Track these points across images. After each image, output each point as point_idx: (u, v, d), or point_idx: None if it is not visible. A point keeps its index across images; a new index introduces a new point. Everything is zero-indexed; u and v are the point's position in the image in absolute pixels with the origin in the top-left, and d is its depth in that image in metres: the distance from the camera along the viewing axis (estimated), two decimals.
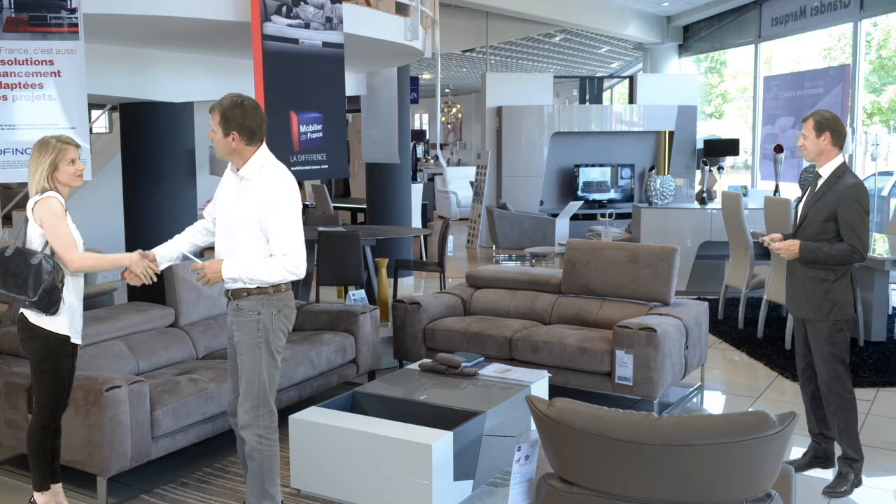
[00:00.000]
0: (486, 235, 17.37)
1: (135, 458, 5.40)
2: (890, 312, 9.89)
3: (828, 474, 5.79)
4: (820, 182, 5.46)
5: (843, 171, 5.42)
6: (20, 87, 6.61)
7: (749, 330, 9.90)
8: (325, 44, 8.04)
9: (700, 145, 18.23)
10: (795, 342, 5.80)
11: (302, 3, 7.68)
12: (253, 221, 4.61)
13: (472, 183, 20.71)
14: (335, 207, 17.25)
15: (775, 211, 9.17)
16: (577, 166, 17.93)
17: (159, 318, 6.84)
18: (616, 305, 7.72)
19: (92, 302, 7.81)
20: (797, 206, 5.71)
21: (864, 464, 5.65)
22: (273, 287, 4.71)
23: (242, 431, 4.78)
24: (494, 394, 5.96)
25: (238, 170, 4.73)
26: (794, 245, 5.45)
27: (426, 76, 27.99)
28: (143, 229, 8.76)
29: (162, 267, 5.00)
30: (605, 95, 23.87)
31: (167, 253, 5.03)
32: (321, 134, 8.10)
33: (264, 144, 4.76)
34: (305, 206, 15.87)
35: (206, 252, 8.16)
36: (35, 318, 4.85)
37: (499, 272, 8.66)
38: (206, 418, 5.93)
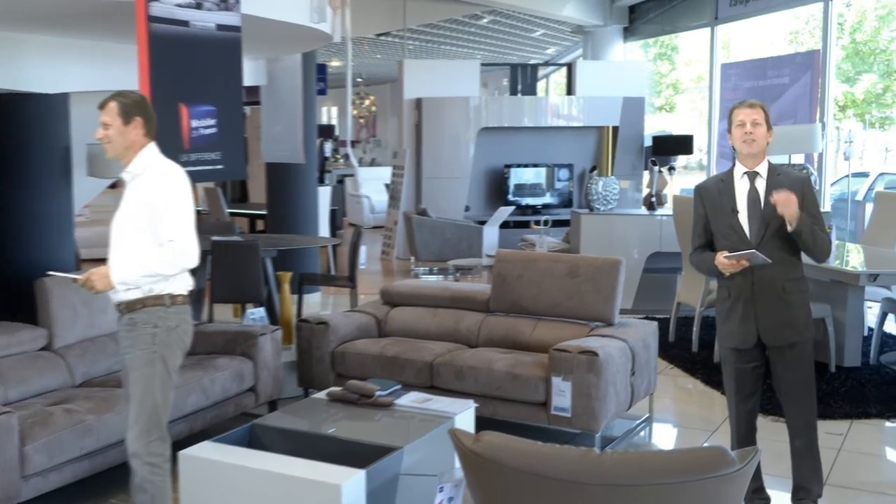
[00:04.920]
0: (403, 246, 17.36)
1: (2, 500, 5.36)
2: (865, 334, 9.88)
3: None
4: (761, 181, 5.51)
5: (775, 166, 5.57)
6: None
7: (704, 354, 9.91)
8: (219, 26, 8.03)
9: (648, 142, 18.26)
10: (740, 382, 5.73)
11: None
12: (142, 220, 4.70)
13: (387, 186, 20.74)
14: (231, 214, 17.14)
15: (685, 209, 9.24)
16: (508, 167, 18.04)
17: (30, 340, 6.78)
18: (552, 326, 7.77)
19: None
20: (732, 216, 5.58)
21: None
22: (170, 297, 4.78)
23: (132, 460, 4.80)
24: (413, 426, 6.00)
25: (127, 166, 4.84)
26: (797, 207, 5.32)
27: (335, 64, 27.93)
28: (9, 236, 8.67)
29: None
30: (540, 86, 23.97)
31: None
32: (215, 130, 8.08)
33: (153, 142, 4.90)
34: (197, 213, 15.78)
35: (82, 264, 8.11)
36: None
37: (418, 288, 8.71)
38: (85, 454, 5.90)
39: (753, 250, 5.35)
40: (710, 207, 5.71)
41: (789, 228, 5.34)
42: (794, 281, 5.56)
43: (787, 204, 5.30)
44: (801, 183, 5.49)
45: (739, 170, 5.58)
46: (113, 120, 4.87)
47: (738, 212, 5.56)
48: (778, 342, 5.58)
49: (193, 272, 5.10)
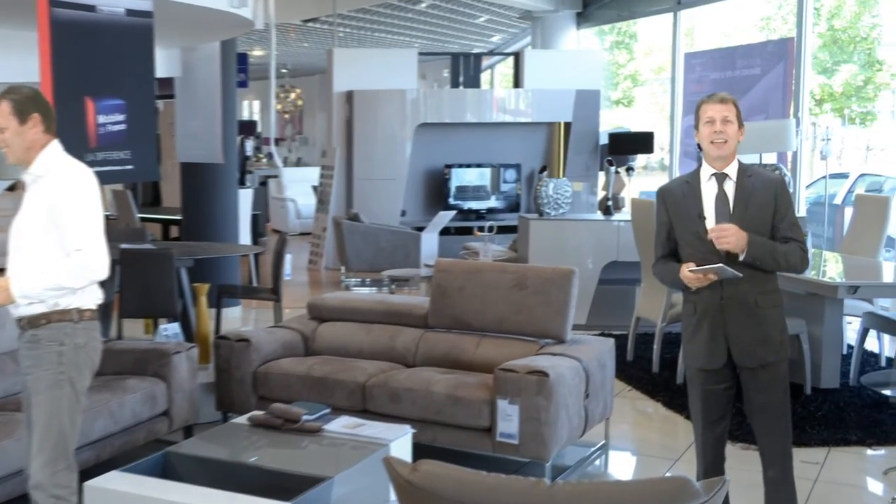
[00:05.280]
0: (332, 254, 17.31)
1: None
2: (844, 352, 9.84)
3: None
4: (730, 184, 5.48)
5: (746, 167, 5.54)
6: None
7: (666, 374, 9.86)
8: (129, 11, 7.98)
9: (604, 140, 18.32)
10: (708, 405, 5.70)
11: None
12: (45, 227, 4.64)
13: (315, 188, 20.68)
14: (142, 219, 17.02)
15: (645, 214, 9.27)
16: (449, 167, 18.05)
17: None
18: (497, 343, 7.77)
19: None
20: (698, 222, 5.52)
21: None
22: (78, 312, 4.73)
23: (34, 492, 4.74)
24: (344, 454, 5.98)
25: (28, 167, 4.79)
26: (740, 233, 5.29)
27: (257, 53, 27.86)
28: None
29: None
30: (484, 77, 24.02)
31: None
32: (124, 126, 8.03)
33: (56, 139, 4.84)
34: (105, 218, 15.66)
35: None
36: None
37: (349, 301, 8.69)
38: None
39: (721, 264, 5.29)
40: (675, 213, 5.64)
41: (741, 258, 5.32)
42: (768, 294, 5.52)
43: (723, 238, 5.29)
44: (774, 185, 5.48)
45: (707, 171, 5.53)
46: (7, 122, 4.79)
47: (705, 218, 5.50)
48: (750, 362, 5.53)
49: (102, 284, 5.04)
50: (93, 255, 4.69)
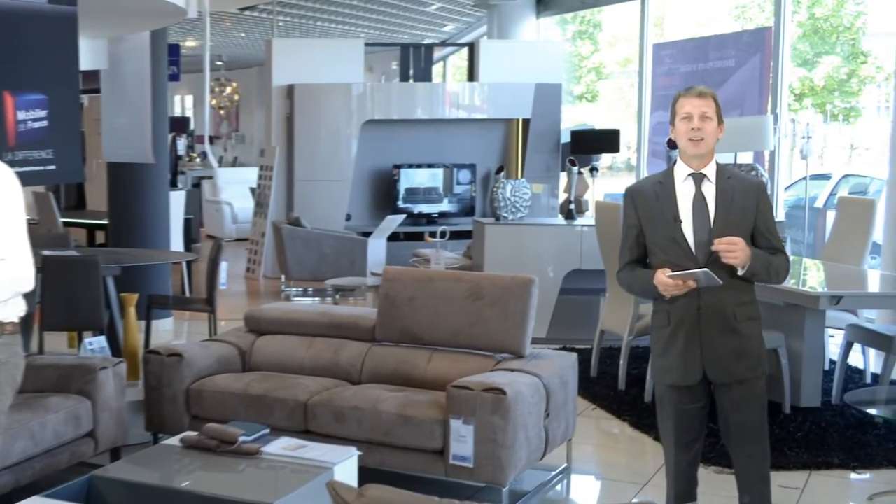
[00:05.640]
0: (272, 262, 17.32)
1: None
2: (826, 368, 9.84)
3: None
4: (709, 186, 5.52)
5: (724, 168, 5.59)
6: None
7: (633, 392, 9.84)
8: None
9: (566, 138, 18.27)
10: (681, 425, 5.75)
11: None
12: None
13: (252, 190, 20.65)
14: (65, 223, 16.94)
15: (611, 217, 9.32)
16: (398, 167, 18.06)
17: None
18: (450, 358, 7.78)
19: None
20: (675, 226, 5.56)
21: None
22: None
23: None
24: (284, 479, 6.01)
25: None
26: (748, 248, 5.36)
27: (190, 44, 27.79)
28: None
29: None
30: (436, 70, 23.97)
31: None
32: (46, 123, 8.03)
33: None
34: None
35: None
36: None
37: (290, 312, 8.71)
38: None
39: (706, 269, 5.30)
40: (646, 215, 5.64)
41: (740, 273, 5.36)
42: (746, 306, 5.57)
43: (731, 252, 5.31)
44: (755, 190, 5.53)
45: (683, 170, 5.56)
46: None
47: (681, 221, 5.53)
48: (725, 378, 5.57)
49: (25, 294, 5.03)
50: (18, 265, 4.67)
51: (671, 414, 5.72)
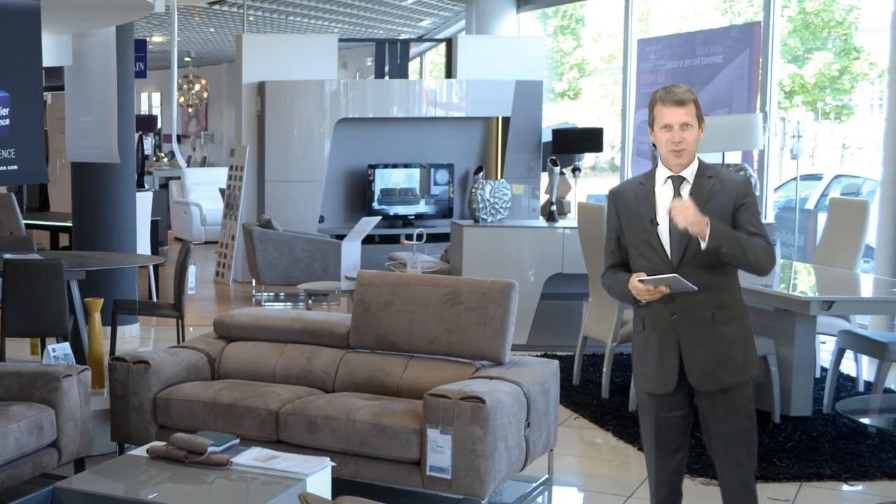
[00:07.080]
0: (242, 266, 17.30)
1: None
2: (818, 376, 9.82)
3: None
4: (688, 188, 5.47)
5: (706, 166, 5.55)
6: None
7: (617, 401, 9.84)
8: None
9: (548, 137, 18.30)
10: (661, 435, 5.72)
11: None
12: None
13: (222, 191, 20.63)
14: (28, 226, 16.92)
15: (594, 219, 9.30)
16: (373, 167, 18.06)
17: None
18: (428, 365, 7.78)
19: None
20: (651, 229, 5.52)
21: None
22: None
23: None
24: (255, 491, 6.00)
25: None
26: (701, 215, 5.27)
27: (158, 39, 27.76)
28: None
29: None
30: (412, 67, 23.99)
31: None
32: (7, 122, 8.01)
33: None
34: None
35: None
36: None
37: (261, 318, 8.68)
38: None
39: (675, 274, 5.28)
40: (626, 217, 5.62)
41: (703, 246, 5.28)
42: (728, 308, 5.52)
43: (682, 214, 5.23)
44: (737, 187, 5.47)
45: (662, 173, 5.53)
46: None
47: (657, 224, 5.50)
48: (708, 385, 5.52)
49: None
50: None
51: (651, 423, 5.70)
